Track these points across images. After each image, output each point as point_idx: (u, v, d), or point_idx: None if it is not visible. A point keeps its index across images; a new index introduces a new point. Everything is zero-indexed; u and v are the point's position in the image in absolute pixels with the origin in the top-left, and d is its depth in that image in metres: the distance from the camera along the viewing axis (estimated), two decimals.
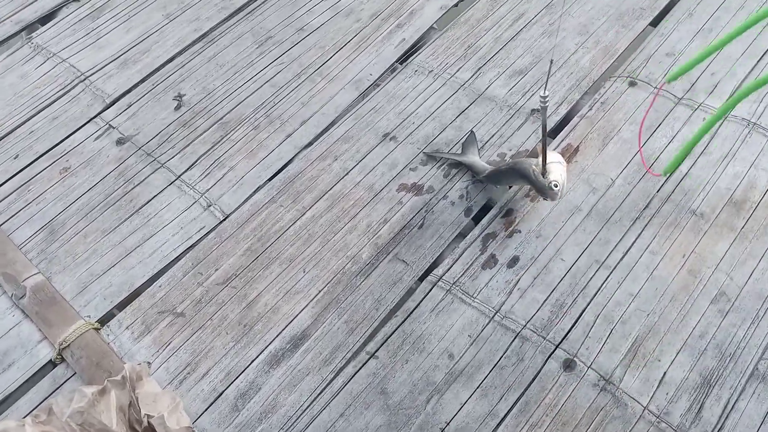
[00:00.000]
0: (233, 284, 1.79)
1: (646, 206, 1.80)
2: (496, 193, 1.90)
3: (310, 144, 2.10)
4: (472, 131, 2.00)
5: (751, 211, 1.77)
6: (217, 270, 1.83)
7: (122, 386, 1.41)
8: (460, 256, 1.78)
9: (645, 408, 1.49)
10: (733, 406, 1.48)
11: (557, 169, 1.59)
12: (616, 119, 2.00)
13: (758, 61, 2.08)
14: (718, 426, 1.46)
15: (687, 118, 1.97)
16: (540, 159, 1.58)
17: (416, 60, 2.30)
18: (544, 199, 1.69)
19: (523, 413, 1.50)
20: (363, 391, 1.57)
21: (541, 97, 1.45)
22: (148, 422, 1.38)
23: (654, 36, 2.21)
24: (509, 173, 1.76)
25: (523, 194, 1.87)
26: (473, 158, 1.92)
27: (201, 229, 1.93)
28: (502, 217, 1.84)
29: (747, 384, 1.51)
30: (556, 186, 1.57)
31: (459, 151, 1.98)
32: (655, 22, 2.27)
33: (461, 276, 1.74)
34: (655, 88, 1.98)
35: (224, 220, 1.94)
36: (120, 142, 2.19)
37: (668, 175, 1.56)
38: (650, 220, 1.77)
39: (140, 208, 2.00)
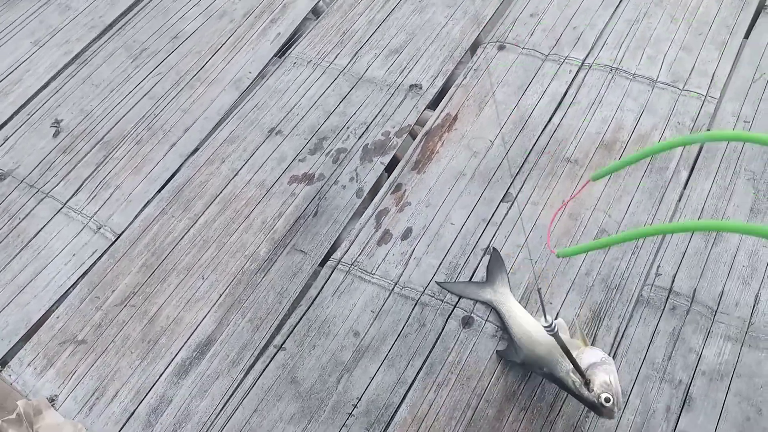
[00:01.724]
0: (132, 303, 1.78)
1: (524, 161, 1.89)
2: (385, 171, 1.96)
3: (195, 150, 2.10)
4: (495, 249, 1.71)
5: (621, 150, 1.88)
6: (114, 291, 1.82)
7: (19, 424, 1.40)
8: (356, 236, 1.83)
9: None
10: (623, 334, 1.58)
11: (602, 375, 1.29)
12: (489, 84, 2.08)
13: (615, 10, 2.20)
14: (611, 353, 1.55)
15: (554, 74, 2.08)
16: (576, 363, 1.32)
17: (294, 52, 2.33)
18: (602, 416, 1.32)
19: (430, 375, 1.56)
20: (274, 384, 1.60)
21: (546, 326, 1.24)
22: None
23: (518, 0, 2.32)
24: (548, 376, 1.44)
25: (409, 168, 1.93)
26: (502, 296, 1.60)
27: (93, 252, 1.91)
28: (392, 193, 1.90)
29: (633, 311, 1.61)
30: (608, 402, 1.27)
31: (483, 279, 1.68)
32: None
33: (359, 256, 1.79)
34: (577, 184, 1.84)
35: (116, 240, 1.92)
36: (0, 178, 2.14)
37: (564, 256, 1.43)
38: (529, 173, 1.86)
39: (29, 242, 1.97)
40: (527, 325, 1.51)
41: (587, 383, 1.31)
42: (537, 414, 1.49)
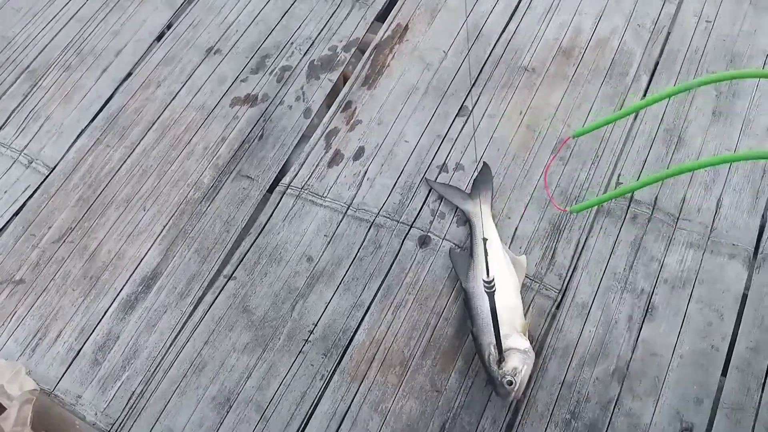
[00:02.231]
0: (70, 239, 1.68)
1: (480, 72, 1.80)
2: (333, 89, 1.85)
3: (129, 75, 1.96)
4: (485, 164, 1.64)
5: (580, 57, 1.80)
6: (50, 228, 1.71)
7: None
8: (306, 159, 1.74)
9: None
10: (584, 245, 1.54)
11: (517, 362, 1.30)
12: None
13: None
14: (572, 266, 1.52)
15: None
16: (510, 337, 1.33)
17: None
18: (497, 394, 1.34)
19: (387, 297, 1.52)
20: (225, 314, 1.54)
21: (485, 282, 1.18)
22: None
23: None
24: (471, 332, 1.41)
25: (359, 84, 1.83)
26: (482, 212, 1.52)
27: (26, 189, 1.79)
28: (342, 111, 1.80)
29: (594, 222, 1.57)
30: (510, 384, 1.29)
31: (468, 190, 1.63)
32: None
33: (309, 179, 1.71)
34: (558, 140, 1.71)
35: (49, 174, 1.80)
36: None
37: (577, 212, 1.42)
38: (485, 85, 1.78)
39: None
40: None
41: (500, 361, 1.31)
42: None
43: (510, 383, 1.29)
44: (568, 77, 1.77)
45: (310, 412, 1.41)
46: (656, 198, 1.59)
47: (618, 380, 1.39)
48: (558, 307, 1.48)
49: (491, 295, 1.19)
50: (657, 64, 1.78)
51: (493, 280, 1.17)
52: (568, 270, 1.52)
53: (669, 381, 1.38)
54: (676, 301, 1.47)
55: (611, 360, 1.42)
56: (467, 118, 1.74)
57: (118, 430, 1.43)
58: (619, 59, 1.79)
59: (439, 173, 1.67)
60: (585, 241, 1.55)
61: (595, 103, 1.73)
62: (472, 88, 1.78)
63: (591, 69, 1.77)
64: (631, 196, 1.59)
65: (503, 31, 1.87)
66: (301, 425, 1.39)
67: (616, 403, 1.37)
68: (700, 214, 1.55)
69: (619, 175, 1.63)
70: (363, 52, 1.91)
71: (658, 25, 1.83)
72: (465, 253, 1.52)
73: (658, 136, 1.66)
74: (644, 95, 1.74)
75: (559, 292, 1.50)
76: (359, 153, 1.73)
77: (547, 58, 1.80)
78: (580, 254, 1.54)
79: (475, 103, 1.75)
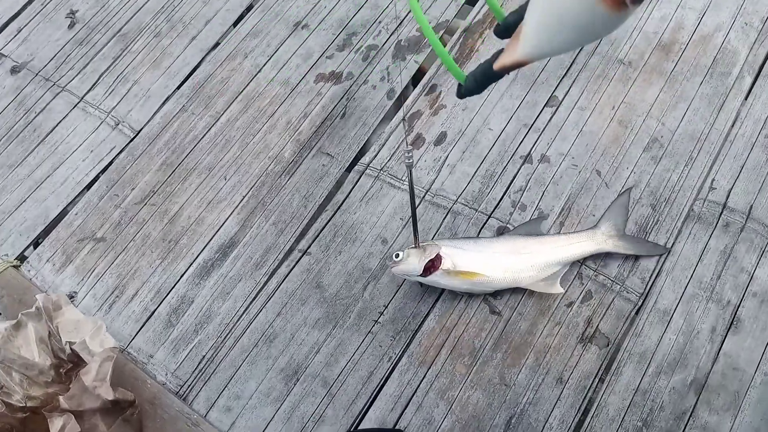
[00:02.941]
0: (152, 201, 1.74)
1: (572, 62, 1.76)
2: (419, 71, 1.85)
3: (216, 45, 2.01)
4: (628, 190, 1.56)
5: (680, 53, 1.74)
6: (133, 189, 1.77)
7: (38, 317, 1.39)
8: (387, 140, 1.75)
9: (582, 264, 1.50)
10: (670, 250, 1.50)
11: (413, 256, 1.40)
12: None
13: None
14: (656, 270, 1.48)
15: None
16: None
17: None
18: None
19: None
20: (298, 288, 1.57)
21: (405, 151, 1.19)
22: (71, 349, 1.36)
23: None
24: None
25: (444, 70, 1.82)
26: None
27: (112, 149, 1.86)
28: (426, 94, 1.80)
29: (683, 226, 1.53)
30: (397, 257, 1.42)
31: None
32: None
33: (388, 161, 1.71)
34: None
35: (135, 137, 1.87)
36: (14, 70, 2.07)
37: None
38: (577, 75, 1.74)
39: (45, 137, 1.92)
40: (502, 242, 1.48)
41: (416, 246, 1.39)
42: (572, 330, 1.44)
43: (397, 256, 1.40)
44: (666, 73, 1.71)
45: (376, 392, 1.42)
46: (751, 207, 1.53)
47: (695, 392, 1.36)
48: (638, 312, 1.45)
49: (409, 169, 1.22)
50: (762, 66, 1.70)
51: (412, 149, 1.27)
52: (652, 274, 1.48)
53: (750, 398, 1.34)
54: (764, 316, 1.42)
55: (689, 371, 1.38)
56: (556, 109, 1.70)
57: (187, 391, 1.48)
58: (722, 58, 1.72)
59: (523, 164, 1.65)
60: (672, 245, 1.51)
61: (692, 103, 1.67)
62: (563, 77, 1.74)
63: (691, 66, 1.71)
64: (725, 203, 1.54)
65: None
66: (366, 404, 1.41)
67: (691, 415, 1.34)
68: None
69: (713, 180, 1.57)
70: (451, 35, 1.89)
71: (767, 26, 1.75)
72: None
73: (758, 142, 1.60)
74: (746, 97, 1.67)
75: (640, 296, 1.46)
76: (441, 138, 1.72)
77: (645, 51, 1.75)
78: (666, 259, 1.50)
79: (566, 94, 1.72)
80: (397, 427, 1.37)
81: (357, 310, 1.52)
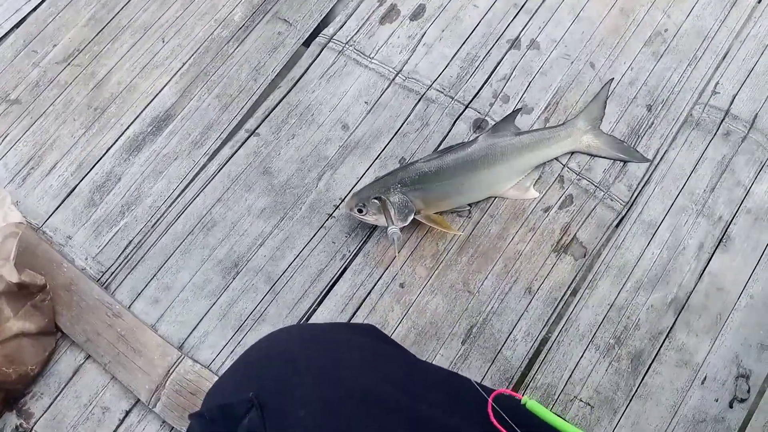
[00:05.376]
0: (76, 62, 1.55)
1: None
2: None
3: None
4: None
5: None
6: (55, 46, 1.58)
7: None
8: (355, 10, 1.58)
9: (564, 166, 1.40)
10: (662, 157, 1.41)
11: (380, 212, 1.28)
12: None
13: None
14: (645, 178, 1.39)
15: None
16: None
17: None
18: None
19: None
20: (242, 172, 1.43)
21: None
22: None
23: None
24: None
25: None
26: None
27: None
28: None
29: (679, 132, 1.43)
30: (360, 211, 1.29)
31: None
32: None
33: (356, 34, 1.55)
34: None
35: None
36: None
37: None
38: None
39: None
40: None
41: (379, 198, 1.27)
42: (547, 237, 1.36)
43: (360, 211, 1.28)
44: None
45: (325, 291, 1.32)
46: (756, 115, 1.44)
47: (674, 311, 1.30)
48: (621, 222, 1.36)
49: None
50: None
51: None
52: (640, 182, 1.39)
53: (732, 321, 1.29)
54: (756, 235, 1.35)
55: (671, 288, 1.31)
56: None
57: (110, 279, 1.35)
58: None
59: (509, 49, 1.50)
60: (665, 152, 1.41)
61: None
62: None
63: None
64: (728, 109, 1.43)
65: None
66: (313, 304, 1.31)
67: (667, 336, 1.28)
68: None
69: (717, 83, 1.46)
70: None
71: None
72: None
73: None
74: None
75: (625, 205, 1.37)
76: (419, 12, 1.56)
77: None
78: (657, 166, 1.40)
79: None
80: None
81: (309, 202, 1.40)
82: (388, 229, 1.25)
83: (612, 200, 1.38)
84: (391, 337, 1.15)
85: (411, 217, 1.29)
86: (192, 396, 1.21)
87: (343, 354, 0.82)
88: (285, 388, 0.74)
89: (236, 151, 1.45)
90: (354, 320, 1.29)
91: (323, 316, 1.30)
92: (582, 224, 1.36)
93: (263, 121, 1.48)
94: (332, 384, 0.74)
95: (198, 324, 1.30)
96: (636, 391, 1.24)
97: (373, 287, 1.32)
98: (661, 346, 1.27)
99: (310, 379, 0.75)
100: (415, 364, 0.90)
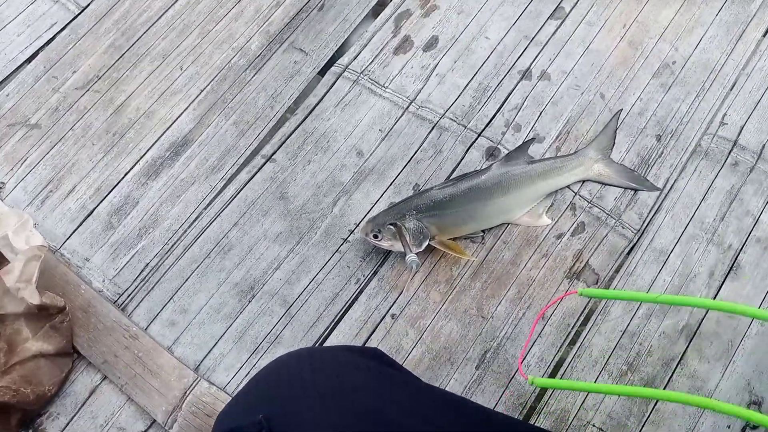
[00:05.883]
0: (96, 88, 1.60)
1: None
2: None
3: None
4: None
5: None
6: (75, 72, 1.62)
7: None
8: (369, 40, 1.63)
9: (576, 194, 1.43)
10: (672, 186, 1.44)
11: (395, 238, 1.31)
12: None
13: None
14: (655, 207, 1.42)
15: None
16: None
17: None
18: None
19: None
20: (259, 197, 1.46)
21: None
22: None
23: None
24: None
25: None
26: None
27: (52, 25, 1.69)
28: None
29: (688, 162, 1.46)
30: (375, 237, 1.32)
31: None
32: None
33: (370, 64, 1.60)
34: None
35: (80, 13, 1.70)
36: None
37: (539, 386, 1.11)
38: None
39: None
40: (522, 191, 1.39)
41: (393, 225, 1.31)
42: (560, 263, 1.38)
43: (375, 236, 1.30)
44: None
45: (339, 315, 1.35)
46: (764, 146, 1.47)
47: (686, 338, 1.32)
48: (632, 249, 1.39)
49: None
50: None
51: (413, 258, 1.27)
52: (651, 210, 1.42)
53: (744, 348, 1.31)
54: (766, 263, 1.38)
55: (682, 315, 1.33)
56: (562, 22, 1.60)
57: (127, 301, 1.37)
58: None
59: (521, 79, 1.55)
60: (675, 181, 1.45)
61: (710, 29, 1.59)
62: None
63: None
64: (736, 139, 1.47)
65: None
66: (328, 327, 1.33)
67: (679, 362, 1.30)
68: None
69: (725, 114, 1.51)
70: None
71: None
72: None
73: None
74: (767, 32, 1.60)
75: (636, 233, 1.40)
76: (432, 43, 1.61)
77: None
78: (667, 195, 1.44)
79: (574, 6, 1.61)
80: None
81: (324, 227, 1.43)
82: (407, 257, 1.28)
83: (623, 228, 1.41)
84: (400, 363, 1.16)
85: (426, 243, 1.32)
86: (208, 418, 1.23)
87: (351, 377, 0.84)
88: (294, 410, 0.75)
89: (253, 176, 1.49)
90: (368, 344, 1.31)
91: (338, 339, 1.32)
92: (594, 251, 1.39)
93: (279, 147, 1.52)
94: (341, 407, 0.76)
95: (214, 346, 1.32)
96: (648, 416, 1.26)
97: (387, 311, 1.34)
98: (673, 373, 1.29)
99: (318, 402, 0.76)
100: (421, 388, 0.92)
